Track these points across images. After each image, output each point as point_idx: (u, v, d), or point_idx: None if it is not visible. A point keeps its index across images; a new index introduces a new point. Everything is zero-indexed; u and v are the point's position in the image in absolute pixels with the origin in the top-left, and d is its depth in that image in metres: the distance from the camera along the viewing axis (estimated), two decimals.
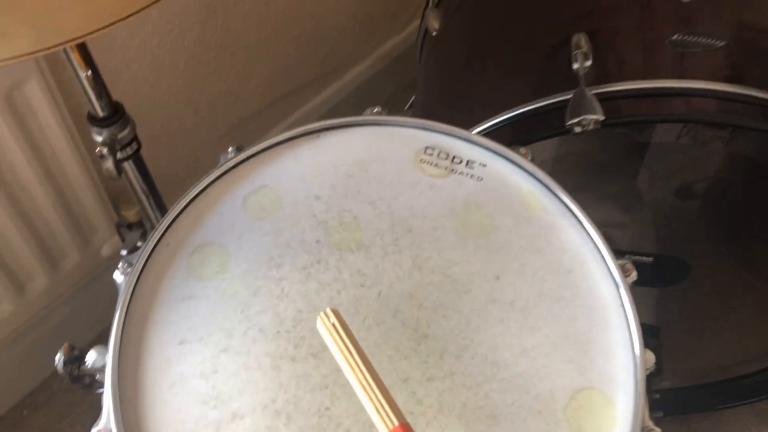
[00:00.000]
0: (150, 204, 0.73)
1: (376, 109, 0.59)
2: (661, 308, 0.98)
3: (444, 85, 0.91)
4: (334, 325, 0.47)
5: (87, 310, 1.08)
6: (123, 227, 1.08)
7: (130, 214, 1.07)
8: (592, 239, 0.56)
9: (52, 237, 0.97)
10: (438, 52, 0.96)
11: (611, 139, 0.91)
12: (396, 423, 0.44)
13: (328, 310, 0.47)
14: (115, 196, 1.05)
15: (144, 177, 0.70)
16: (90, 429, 0.50)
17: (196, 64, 1.01)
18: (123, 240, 1.08)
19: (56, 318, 1.08)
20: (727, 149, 0.71)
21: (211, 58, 1.03)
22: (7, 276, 0.94)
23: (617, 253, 0.55)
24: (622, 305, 0.53)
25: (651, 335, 0.87)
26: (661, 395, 1.06)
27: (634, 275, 0.55)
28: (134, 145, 0.68)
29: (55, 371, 1.23)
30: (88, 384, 0.57)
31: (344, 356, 0.46)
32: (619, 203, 0.95)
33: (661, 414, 1.08)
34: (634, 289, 0.55)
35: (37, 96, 0.82)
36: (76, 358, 0.55)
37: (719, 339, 1.04)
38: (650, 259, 0.85)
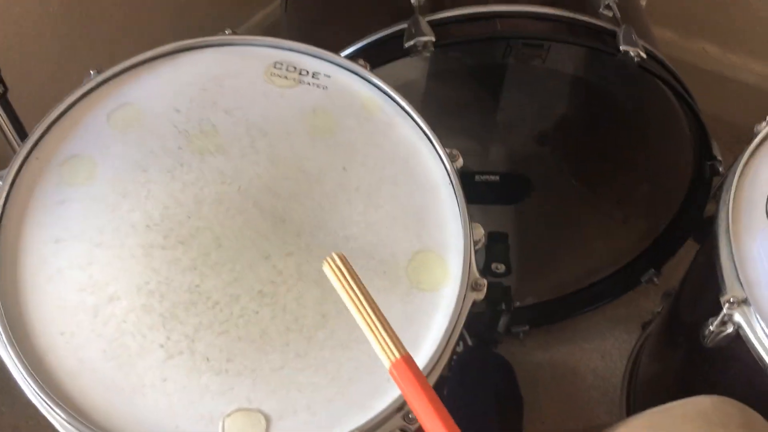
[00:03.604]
0: (17, 142, 0.75)
1: (228, 31, 0.66)
2: (520, 226, 1.09)
3: (304, 31, 0.98)
4: (339, 268, 0.48)
5: None
6: None
7: None
8: (425, 133, 0.64)
9: None
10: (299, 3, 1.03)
11: (469, 76, 1.00)
12: (398, 355, 0.45)
13: (333, 254, 0.48)
14: None
15: (10, 116, 0.73)
16: None
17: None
18: None
19: None
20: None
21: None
22: None
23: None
24: (451, 183, 0.62)
25: (499, 240, 0.98)
26: (526, 310, 1.18)
27: (460, 161, 0.64)
28: (0, 87, 0.71)
29: None
30: None
31: (347, 293, 0.47)
32: (475, 135, 1.05)
33: (526, 327, 1.20)
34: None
35: None
36: None
37: (571, 255, 1.17)
38: (497, 177, 0.95)
